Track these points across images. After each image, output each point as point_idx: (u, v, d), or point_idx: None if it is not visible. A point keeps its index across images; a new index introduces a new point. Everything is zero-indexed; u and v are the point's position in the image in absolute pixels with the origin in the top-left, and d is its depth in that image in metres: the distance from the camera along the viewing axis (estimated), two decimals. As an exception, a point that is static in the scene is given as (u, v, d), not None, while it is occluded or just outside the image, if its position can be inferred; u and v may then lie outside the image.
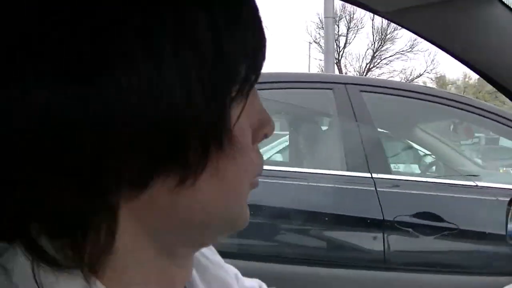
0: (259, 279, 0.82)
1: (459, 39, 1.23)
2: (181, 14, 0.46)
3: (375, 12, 1.18)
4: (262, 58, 0.52)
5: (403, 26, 1.24)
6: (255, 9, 0.52)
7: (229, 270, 0.74)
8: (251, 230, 2.64)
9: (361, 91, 2.97)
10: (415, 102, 3.18)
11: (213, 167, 0.48)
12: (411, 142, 3.91)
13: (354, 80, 3.49)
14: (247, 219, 0.56)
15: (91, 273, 0.48)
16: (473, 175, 3.74)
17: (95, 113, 0.43)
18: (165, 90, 0.44)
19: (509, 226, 1.75)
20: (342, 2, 1.11)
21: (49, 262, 0.47)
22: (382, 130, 3.72)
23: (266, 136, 0.56)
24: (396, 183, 2.87)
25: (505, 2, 1.14)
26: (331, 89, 2.95)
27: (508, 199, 1.79)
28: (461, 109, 3.06)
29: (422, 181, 3.09)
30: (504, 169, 4.45)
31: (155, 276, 0.54)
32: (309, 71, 19.77)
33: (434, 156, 3.86)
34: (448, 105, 3.10)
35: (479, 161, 5.38)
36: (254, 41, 0.51)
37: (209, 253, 0.71)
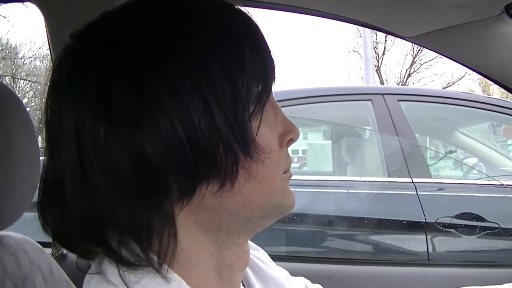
0: (308, 278, 0.92)
1: (480, 56, 1.34)
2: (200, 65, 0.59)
3: (401, 37, 1.33)
4: (272, 78, 0.66)
5: (428, 48, 1.37)
6: (259, 40, 0.65)
7: (280, 271, 0.85)
8: (307, 236, 2.78)
9: (399, 100, 3.08)
10: (453, 108, 3.26)
11: (245, 171, 0.62)
12: (452, 146, 3.99)
13: (391, 90, 3.62)
14: (291, 204, 0.69)
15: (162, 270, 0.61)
16: None
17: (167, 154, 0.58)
18: (195, 128, 0.58)
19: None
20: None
21: (127, 264, 0.60)
22: (424, 139, 3.80)
23: (292, 140, 0.69)
24: (438, 187, 2.98)
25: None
26: (369, 100, 3.08)
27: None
28: (497, 111, 3.10)
29: (462, 183, 3.16)
30: None
31: (216, 267, 0.67)
32: (349, 80, 19.62)
33: (476, 158, 3.90)
34: (485, 109, 3.14)
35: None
36: (262, 67, 0.63)
37: (263, 257, 0.83)
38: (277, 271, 0.83)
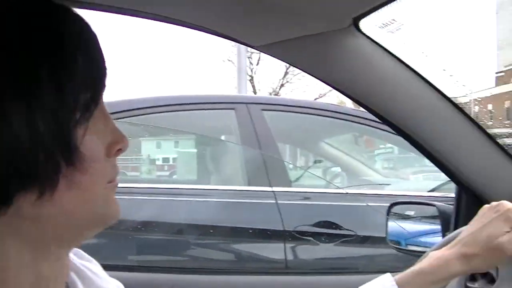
0: None
1: (328, 68, 1.35)
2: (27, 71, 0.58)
3: (249, 46, 1.32)
4: (102, 87, 0.65)
5: (277, 58, 1.37)
6: (93, 48, 0.65)
7: (113, 282, 0.83)
8: (158, 245, 2.75)
9: (263, 109, 3.11)
10: (318, 118, 3.35)
11: (67, 180, 0.60)
12: (316, 156, 4.11)
13: (255, 100, 3.67)
14: (115, 214, 0.67)
15: None
16: (385, 184, 3.99)
17: None
18: (15, 133, 0.57)
19: (388, 229, 1.94)
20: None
21: None
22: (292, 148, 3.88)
23: (121, 150, 0.68)
24: (303, 196, 3.05)
25: (366, 34, 1.30)
26: (233, 109, 3.09)
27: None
28: (360, 123, 3.18)
29: (323, 192, 3.25)
30: (417, 175, 4.72)
31: (31, 276, 0.64)
32: (223, 90, 19.82)
33: (340, 168, 4.04)
34: (349, 120, 3.24)
35: (388, 170, 5.66)
36: (92, 75, 0.63)
37: (95, 268, 0.80)
38: (109, 282, 0.82)
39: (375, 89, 1.35)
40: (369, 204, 2.89)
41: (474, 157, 1.41)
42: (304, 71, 1.38)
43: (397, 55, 1.31)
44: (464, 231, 0.95)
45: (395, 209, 1.94)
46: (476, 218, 0.95)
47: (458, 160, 1.40)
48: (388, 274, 0.92)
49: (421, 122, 1.37)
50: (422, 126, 1.38)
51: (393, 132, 1.41)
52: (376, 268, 2.67)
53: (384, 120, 1.37)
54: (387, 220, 1.91)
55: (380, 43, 1.31)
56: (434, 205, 1.74)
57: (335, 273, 2.78)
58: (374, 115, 1.39)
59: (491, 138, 1.39)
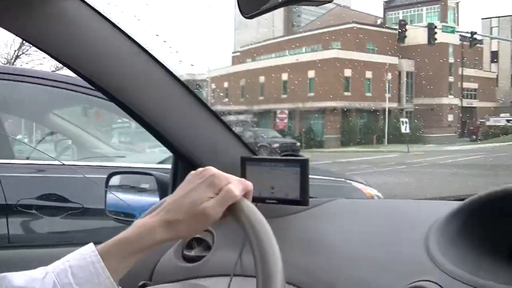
0: None
1: (37, 30, 1.29)
2: None
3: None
4: None
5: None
6: None
7: None
8: None
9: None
10: (47, 89, 3.22)
11: None
12: (47, 128, 3.96)
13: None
14: None
15: None
16: (120, 156, 3.98)
17: None
18: None
19: (107, 200, 1.96)
20: None
21: None
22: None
23: None
24: (26, 168, 2.92)
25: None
26: None
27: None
28: (90, 94, 3.09)
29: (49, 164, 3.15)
30: (153, 149, 4.77)
31: None
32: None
33: (70, 141, 3.95)
34: (78, 91, 3.16)
35: (125, 144, 5.68)
36: None
37: None
38: None
39: (93, 57, 1.35)
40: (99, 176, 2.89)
41: (192, 127, 1.50)
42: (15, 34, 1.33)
43: (120, 27, 1.33)
44: (169, 197, 0.91)
45: (114, 180, 1.97)
46: (181, 185, 0.92)
47: (175, 130, 1.48)
48: (90, 244, 0.86)
49: (137, 91, 1.42)
50: (139, 95, 1.42)
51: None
52: (100, 239, 2.70)
53: (97, 86, 1.38)
54: (105, 191, 1.93)
55: (99, 10, 1.31)
56: (152, 175, 1.78)
57: (61, 245, 2.73)
58: (88, 82, 1.40)
59: (213, 112, 1.50)
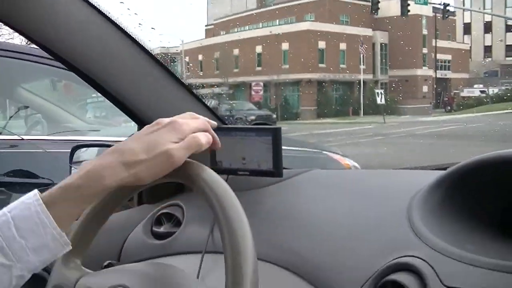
0: None
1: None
2: None
3: None
4: None
5: None
6: None
7: None
8: None
9: None
10: (14, 61, 3.11)
11: None
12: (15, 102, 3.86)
13: None
14: None
15: None
16: (94, 130, 3.90)
17: None
18: None
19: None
20: None
21: None
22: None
23: None
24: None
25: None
26: None
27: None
28: (58, 67, 3.06)
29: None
30: (128, 123, 4.69)
31: None
32: None
33: (40, 115, 3.85)
34: (46, 64, 3.07)
35: (100, 118, 5.57)
36: None
37: None
38: None
39: (56, 27, 1.26)
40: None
41: (158, 97, 1.42)
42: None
43: None
44: (123, 141, 0.83)
45: (78, 154, 1.90)
46: (138, 132, 0.84)
47: (140, 101, 1.40)
48: (34, 191, 0.77)
49: (101, 62, 1.33)
50: (103, 66, 1.34)
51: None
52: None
53: (58, 57, 1.30)
54: (70, 167, 1.85)
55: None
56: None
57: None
58: (51, 54, 1.30)
59: (181, 82, 1.42)
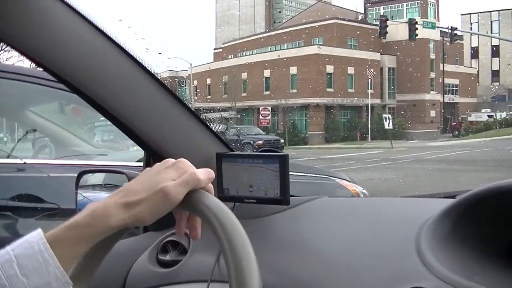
0: None
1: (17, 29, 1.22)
2: None
3: None
4: None
5: None
6: None
7: None
8: None
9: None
10: (22, 85, 3.12)
11: None
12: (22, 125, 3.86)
13: None
14: None
15: None
16: (102, 155, 3.89)
17: None
18: None
19: (79, 200, 1.89)
20: None
21: None
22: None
23: None
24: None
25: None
26: None
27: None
28: (65, 90, 3.06)
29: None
30: (136, 147, 4.68)
31: None
32: None
33: (47, 138, 3.85)
34: (53, 87, 3.08)
35: (108, 142, 5.58)
36: None
37: None
38: None
39: (63, 51, 1.26)
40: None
41: (165, 123, 1.41)
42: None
43: (96, 24, 1.25)
44: (129, 182, 0.84)
45: (85, 179, 1.90)
46: (143, 171, 0.86)
47: (146, 127, 1.39)
48: (38, 231, 0.77)
49: (107, 87, 1.32)
50: (108, 91, 1.33)
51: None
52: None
53: (63, 81, 1.30)
54: (76, 193, 1.85)
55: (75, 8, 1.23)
56: (123, 173, 1.72)
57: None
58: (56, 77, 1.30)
59: (187, 108, 1.41)
